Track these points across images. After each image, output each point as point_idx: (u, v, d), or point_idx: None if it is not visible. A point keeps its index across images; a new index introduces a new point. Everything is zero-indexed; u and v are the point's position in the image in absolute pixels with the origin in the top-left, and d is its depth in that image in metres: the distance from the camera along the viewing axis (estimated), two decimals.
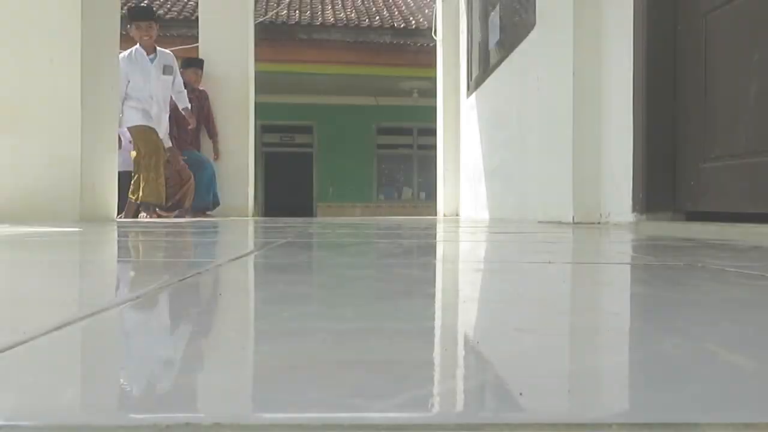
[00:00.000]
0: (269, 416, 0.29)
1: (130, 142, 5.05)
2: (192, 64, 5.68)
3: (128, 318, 0.55)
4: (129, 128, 4.83)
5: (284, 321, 0.52)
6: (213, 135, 5.76)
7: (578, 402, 0.32)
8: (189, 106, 5.19)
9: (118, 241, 1.69)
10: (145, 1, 4.74)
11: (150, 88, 4.86)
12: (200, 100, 5.64)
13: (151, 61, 4.89)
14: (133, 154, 4.98)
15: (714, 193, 2.24)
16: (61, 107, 3.10)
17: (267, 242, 1.60)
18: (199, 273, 0.85)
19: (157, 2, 9.73)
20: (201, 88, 5.66)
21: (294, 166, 11.82)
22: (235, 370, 0.38)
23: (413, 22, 9.86)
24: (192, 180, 5.34)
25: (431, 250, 1.44)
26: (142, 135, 4.83)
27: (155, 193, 4.80)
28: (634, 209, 2.57)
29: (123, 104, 4.70)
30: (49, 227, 2.36)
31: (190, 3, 9.17)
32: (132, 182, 4.86)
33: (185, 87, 5.32)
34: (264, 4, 9.91)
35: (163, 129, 4.95)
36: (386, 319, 0.53)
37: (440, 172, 7.13)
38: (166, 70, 4.97)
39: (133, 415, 0.29)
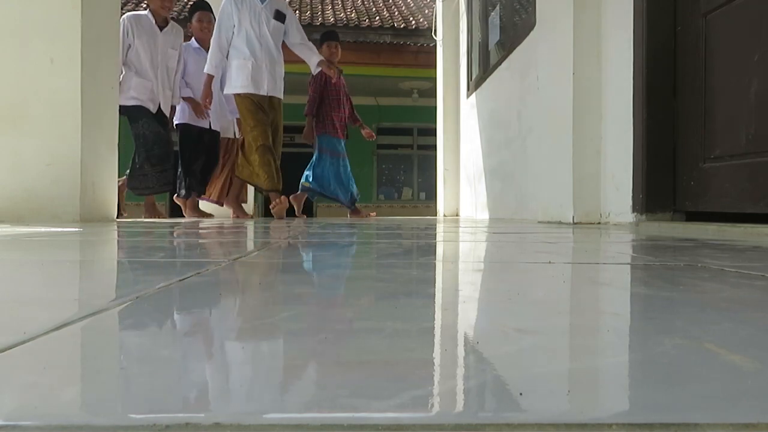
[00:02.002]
0: (269, 416, 0.29)
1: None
2: (327, 37, 5.02)
3: (128, 318, 0.55)
4: (235, 96, 4.16)
5: (284, 321, 0.52)
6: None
7: (578, 402, 0.32)
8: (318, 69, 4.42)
9: (118, 242, 1.69)
10: None
11: (261, 33, 4.09)
12: (341, 80, 5.06)
13: (261, 1, 4.11)
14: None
15: (714, 193, 2.24)
16: (61, 107, 3.10)
17: (267, 242, 1.60)
18: (198, 273, 0.85)
19: None
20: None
21: (294, 166, 11.82)
22: (235, 370, 0.38)
23: (413, 22, 9.86)
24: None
25: (431, 250, 1.44)
26: (249, 107, 4.09)
27: (263, 179, 4.16)
28: (634, 209, 2.57)
29: (228, 59, 4.11)
30: (49, 227, 2.36)
31: (190, 3, 9.16)
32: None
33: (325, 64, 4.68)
34: None
35: (279, 83, 4.27)
36: (386, 319, 0.53)
37: (440, 172, 7.13)
38: (278, 15, 4.18)
39: (133, 415, 0.29)
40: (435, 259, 1.19)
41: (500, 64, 4.96)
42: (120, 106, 4.16)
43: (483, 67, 5.70)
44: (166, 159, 4.38)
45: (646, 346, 0.43)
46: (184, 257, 1.19)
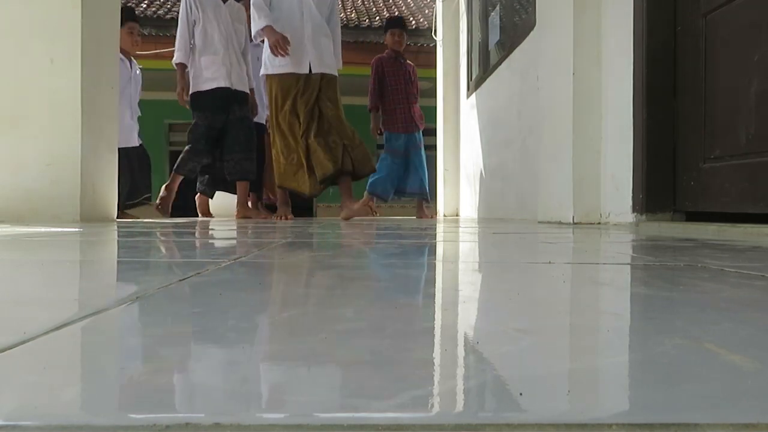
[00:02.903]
0: (269, 416, 0.29)
1: None
2: (392, 25, 4.72)
3: (128, 318, 0.55)
4: (267, 77, 3.73)
5: (284, 321, 0.52)
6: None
7: (578, 402, 0.31)
8: (340, 64, 3.98)
9: (118, 242, 1.69)
10: None
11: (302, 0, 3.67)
12: (406, 69, 4.69)
13: None
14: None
15: (714, 193, 2.24)
16: (61, 107, 3.10)
17: (267, 242, 1.60)
18: (198, 273, 0.85)
19: (157, 2, 9.73)
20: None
21: None
22: (235, 370, 0.38)
23: (413, 22, 9.86)
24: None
25: (431, 250, 1.44)
26: (282, 89, 3.64)
27: (287, 178, 3.74)
28: (634, 209, 2.57)
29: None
30: (49, 227, 2.36)
31: None
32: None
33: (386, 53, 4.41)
34: None
35: (327, 57, 3.78)
36: (386, 319, 0.53)
37: (440, 172, 7.14)
38: None
39: (133, 415, 0.29)
40: (435, 259, 1.19)
41: (500, 64, 4.96)
42: (195, 93, 3.97)
43: (483, 67, 5.70)
44: (205, 154, 4.16)
45: (646, 346, 0.43)
46: (184, 257, 1.19)
